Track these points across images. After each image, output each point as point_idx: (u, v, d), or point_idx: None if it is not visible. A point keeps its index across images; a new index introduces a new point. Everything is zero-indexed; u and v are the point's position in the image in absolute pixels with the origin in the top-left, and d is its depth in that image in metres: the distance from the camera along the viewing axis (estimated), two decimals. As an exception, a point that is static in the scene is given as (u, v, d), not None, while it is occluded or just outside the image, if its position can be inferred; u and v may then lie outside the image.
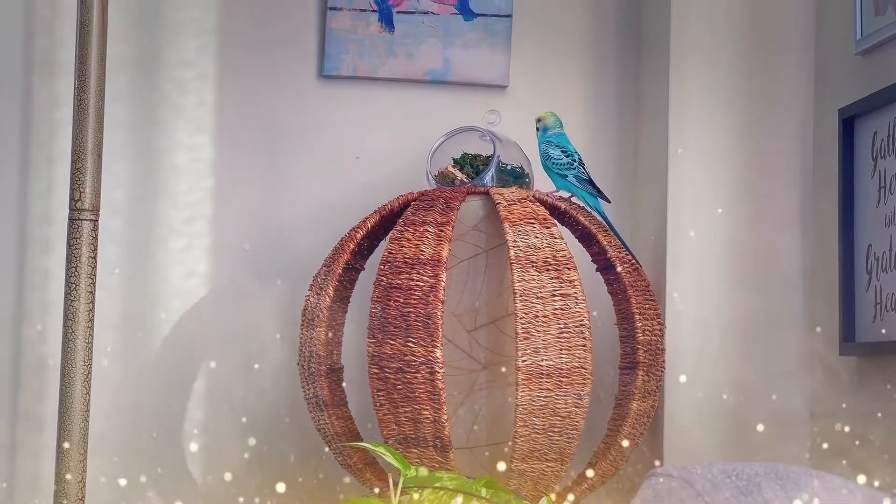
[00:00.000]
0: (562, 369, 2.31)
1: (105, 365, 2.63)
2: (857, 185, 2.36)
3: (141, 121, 2.72)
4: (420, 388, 2.29)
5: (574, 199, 2.51)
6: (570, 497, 2.35)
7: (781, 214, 2.55)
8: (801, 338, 2.52)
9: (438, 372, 2.28)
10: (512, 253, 2.34)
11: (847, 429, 2.28)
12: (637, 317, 2.43)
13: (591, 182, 2.50)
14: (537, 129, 2.55)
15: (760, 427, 2.44)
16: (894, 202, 2.24)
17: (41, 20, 2.69)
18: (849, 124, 2.38)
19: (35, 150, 2.69)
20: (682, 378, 2.47)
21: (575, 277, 2.34)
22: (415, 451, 2.32)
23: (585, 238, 2.50)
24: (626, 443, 2.41)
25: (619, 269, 2.44)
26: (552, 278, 2.33)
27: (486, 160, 2.51)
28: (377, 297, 2.35)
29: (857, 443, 2.23)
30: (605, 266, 2.48)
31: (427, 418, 2.29)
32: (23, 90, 2.69)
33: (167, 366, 2.69)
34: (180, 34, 2.74)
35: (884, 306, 2.25)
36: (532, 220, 2.38)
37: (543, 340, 2.31)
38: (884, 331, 2.24)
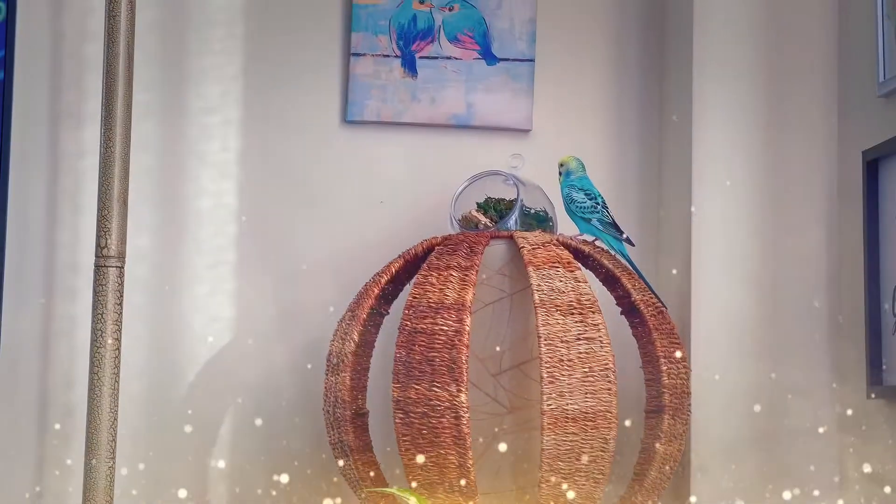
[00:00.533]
0: (587, 413, 2.30)
1: (131, 412, 2.63)
2: (882, 227, 2.36)
3: (166, 167, 2.74)
4: (445, 433, 2.29)
5: (598, 243, 2.51)
6: (597, 542, 2.34)
7: (806, 258, 2.54)
8: (828, 382, 2.51)
9: (463, 416, 2.28)
10: (536, 297, 2.34)
11: (876, 472, 2.27)
12: (662, 360, 2.42)
13: (615, 226, 2.50)
14: (560, 173, 2.55)
15: (788, 472, 2.43)
16: (920, 244, 2.23)
17: (69, 73, 2.72)
18: (873, 166, 2.38)
19: (62, 200, 2.71)
20: (704, 420, 2.46)
21: (599, 321, 2.34)
22: (441, 496, 2.31)
23: (609, 281, 2.50)
24: (652, 486, 2.39)
25: (643, 311, 2.43)
26: (577, 322, 2.33)
27: (510, 204, 2.52)
28: (402, 341, 2.35)
29: (886, 489, 2.21)
30: (629, 309, 2.48)
31: (452, 463, 2.29)
32: (49, 141, 2.71)
33: (193, 411, 2.69)
34: (204, 81, 2.76)
35: (911, 349, 2.24)
36: (556, 264, 2.38)
37: (568, 384, 2.30)
38: (911, 373, 2.23)
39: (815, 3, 2.58)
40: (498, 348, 2.45)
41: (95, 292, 2.45)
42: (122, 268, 2.46)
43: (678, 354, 2.42)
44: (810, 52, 2.58)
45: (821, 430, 2.49)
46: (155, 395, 2.69)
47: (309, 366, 2.67)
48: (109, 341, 2.43)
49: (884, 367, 2.33)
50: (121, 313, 2.46)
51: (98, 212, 2.47)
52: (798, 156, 2.57)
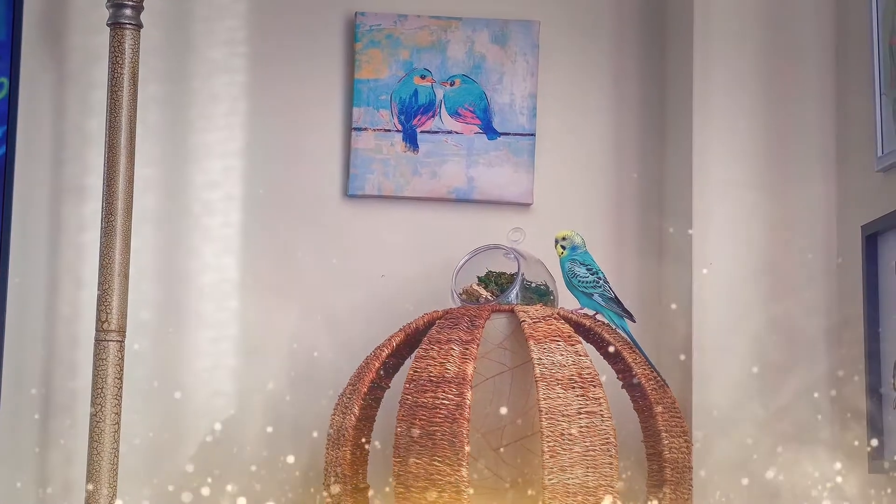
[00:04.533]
0: (588, 487, 2.29)
1: (131, 487, 2.62)
2: (881, 301, 2.36)
3: (168, 242, 2.75)
4: (446, 508, 2.28)
5: (599, 317, 2.51)
6: None
7: (807, 331, 2.54)
8: (830, 455, 2.50)
9: (465, 491, 2.27)
10: (537, 370, 2.34)
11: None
12: (664, 434, 2.42)
13: (616, 301, 2.50)
14: (563, 247, 2.55)
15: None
16: (920, 318, 2.23)
17: (71, 147, 2.74)
18: (872, 241, 2.39)
19: (62, 274, 2.71)
20: (711, 496, 2.45)
21: (601, 395, 2.34)
22: (442, 572, 2.30)
23: (610, 355, 2.49)
24: (654, 563, 2.38)
25: (644, 386, 2.43)
26: (578, 396, 2.33)
27: (511, 278, 2.52)
28: (402, 415, 2.35)
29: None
30: (630, 383, 2.48)
31: (453, 538, 2.27)
32: (51, 215, 2.72)
33: (194, 487, 2.68)
34: (206, 156, 2.77)
35: (912, 423, 2.24)
36: (557, 338, 2.38)
37: (570, 458, 2.29)
38: (913, 448, 2.22)
39: (814, 79, 2.60)
40: (501, 422, 2.44)
41: (95, 366, 2.45)
42: (123, 342, 2.46)
43: (673, 429, 2.41)
44: (810, 128, 2.60)
45: (823, 499, 2.47)
46: (155, 470, 2.68)
47: (308, 442, 2.65)
48: (109, 416, 2.43)
49: (885, 442, 2.32)
50: (121, 388, 2.46)
51: (99, 286, 2.47)
52: (798, 231, 2.57)
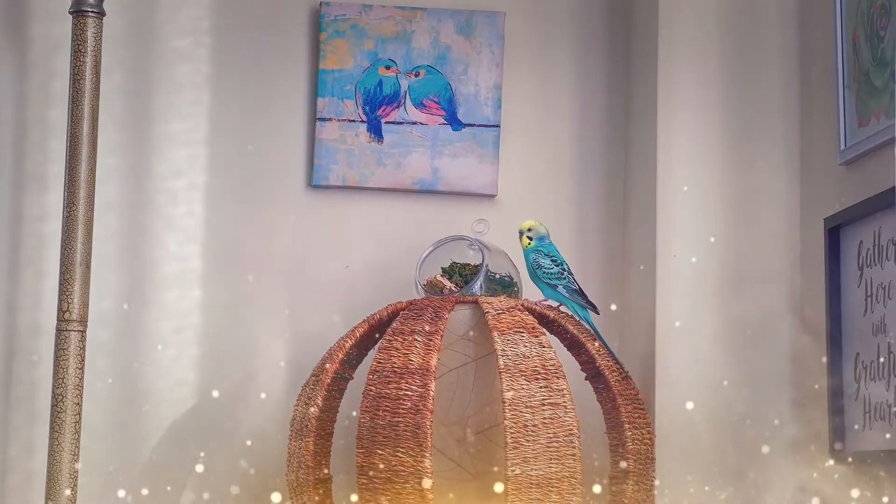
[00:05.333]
0: (551, 479, 2.30)
1: (92, 477, 2.61)
2: (844, 294, 2.37)
3: (130, 231, 2.74)
4: (409, 499, 2.28)
5: (563, 308, 2.51)
6: None
7: (769, 324, 2.55)
8: (791, 445, 2.51)
9: (428, 482, 2.27)
10: (501, 362, 2.34)
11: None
12: (627, 426, 2.42)
13: (580, 293, 2.51)
14: (525, 238, 2.55)
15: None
16: (881, 311, 2.25)
17: (33, 137, 2.72)
18: (834, 234, 2.40)
19: (24, 264, 2.70)
20: (669, 487, 2.46)
21: (564, 386, 2.34)
22: (404, 563, 2.30)
23: (574, 346, 2.50)
24: (617, 554, 2.39)
25: (608, 377, 2.44)
26: (541, 387, 2.33)
27: (475, 269, 2.52)
28: (366, 406, 2.35)
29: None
30: (593, 374, 2.48)
31: (416, 529, 2.27)
32: (12, 205, 2.71)
33: (155, 478, 2.67)
34: (170, 146, 2.76)
35: (873, 415, 2.25)
36: (521, 329, 2.38)
37: (533, 450, 2.30)
38: (872, 440, 2.24)
39: (778, 73, 2.61)
40: (464, 413, 2.45)
41: (56, 356, 2.43)
42: (84, 332, 2.45)
43: (635, 420, 2.42)
44: (774, 122, 2.60)
45: (784, 495, 2.49)
46: (116, 460, 2.67)
47: (270, 433, 2.65)
48: (70, 406, 2.42)
49: (846, 432, 2.33)
50: (82, 378, 2.44)
51: (60, 275, 2.46)
52: (762, 224, 2.58)
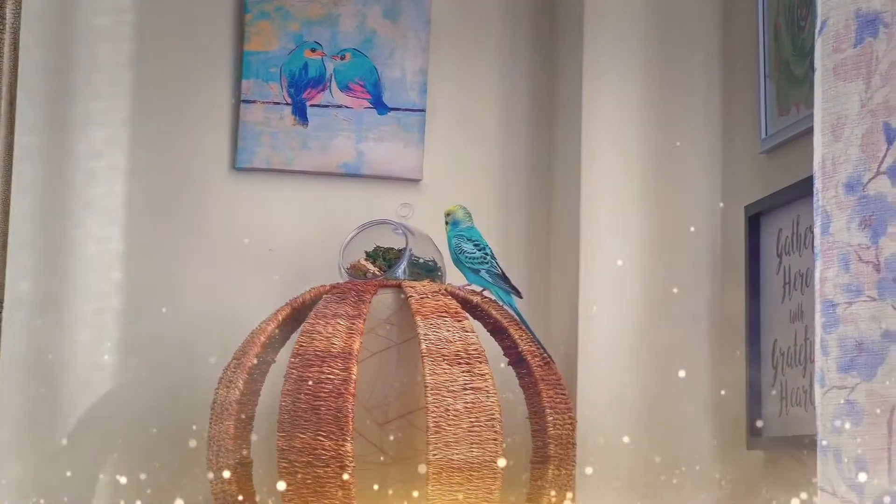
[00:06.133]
0: (472, 463, 2.30)
1: (8, 460, 2.57)
2: (762, 281, 2.40)
3: (49, 212, 2.70)
4: (330, 483, 2.27)
5: (486, 293, 2.52)
6: None
7: (690, 309, 2.57)
8: (710, 432, 2.54)
9: (349, 466, 2.26)
10: (423, 346, 2.34)
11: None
12: (548, 411, 2.43)
13: (504, 277, 2.51)
14: (446, 223, 2.56)
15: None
16: (799, 298, 2.27)
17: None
18: (754, 221, 2.42)
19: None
20: (590, 471, 2.48)
21: (486, 371, 2.35)
22: (325, 547, 2.29)
23: (497, 331, 2.50)
24: (537, 538, 2.40)
25: (530, 362, 2.44)
26: (463, 372, 2.33)
27: (399, 253, 2.52)
28: (287, 390, 2.34)
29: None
30: (516, 360, 2.49)
31: (337, 514, 2.27)
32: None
33: (71, 461, 2.64)
34: (90, 125, 2.72)
35: (789, 401, 2.28)
36: (444, 314, 2.38)
37: (455, 434, 2.30)
38: (789, 425, 2.26)
39: (702, 61, 2.63)
40: (386, 397, 2.44)
41: (-27, 338, 2.40)
42: (0, 313, 2.42)
43: (557, 405, 2.43)
44: (697, 109, 2.62)
45: (702, 482, 2.51)
46: (33, 443, 2.63)
47: (190, 417, 2.63)
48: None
49: (763, 417, 2.36)
50: (-2, 359, 2.41)
51: (-23, 256, 2.42)
52: (684, 211, 2.60)
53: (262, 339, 2.44)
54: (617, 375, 2.56)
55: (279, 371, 2.42)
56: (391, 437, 2.44)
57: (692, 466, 2.53)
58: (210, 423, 2.45)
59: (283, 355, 2.47)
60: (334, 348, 2.33)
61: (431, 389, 2.30)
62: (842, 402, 1.68)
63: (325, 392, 2.30)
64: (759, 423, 2.36)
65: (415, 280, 2.48)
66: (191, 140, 2.76)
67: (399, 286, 2.45)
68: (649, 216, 2.60)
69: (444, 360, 2.33)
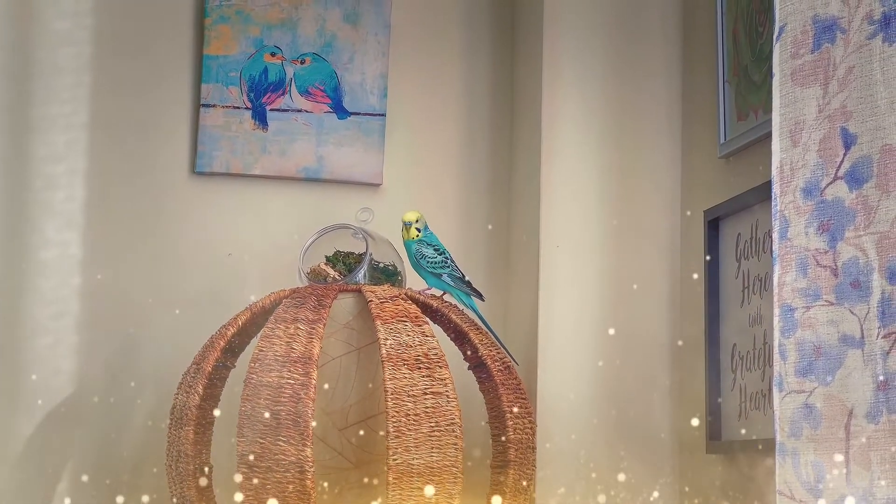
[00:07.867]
0: (433, 468, 2.30)
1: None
2: (722, 285, 2.41)
3: (7, 216, 2.68)
4: (290, 488, 2.27)
5: (447, 297, 2.52)
6: None
7: (650, 313, 2.58)
8: (670, 436, 2.55)
9: (308, 471, 2.26)
10: (384, 351, 2.33)
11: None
12: (508, 415, 2.44)
13: (464, 280, 2.52)
14: (416, 228, 2.55)
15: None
16: (758, 302, 2.28)
17: None
18: (714, 226, 2.44)
19: None
20: (550, 475, 2.48)
21: (447, 376, 2.35)
22: (285, 552, 2.28)
23: (458, 336, 2.51)
24: (497, 542, 2.40)
25: (490, 367, 2.45)
26: (424, 376, 2.33)
27: (359, 258, 2.52)
28: (247, 395, 2.33)
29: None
30: (476, 364, 2.49)
31: (297, 519, 2.26)
32: None
33: (28, 467, 2.62)
34: (49, 129, 2.71)
35: (748, 405, 2.29)
36: (404, 318, 2.38)
37: (415, 439, 2.30)
38: (748, 429, 2.27)
39: (661, 66, 2.65)
40: (346, 402, 2.44)
41: (-70, 343, 2.38)
42: (-42, 318, 2.40)
43: (515, 409, 2.43)
44: (657, 114, 2.64)
45: (661, 485, 2.52)
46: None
47: (150, 423, 2.62)
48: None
49: (722, 420, 2.37)
50: (-44, 365, 2.39)
51: (-66, 260, 2.40)
52: (642, 216, 2.62)
53: (222, 343, 2.43)
54: (577, 379, 2.57)
55: (239, 376, 2.41)
56: (352, 442, 2.44)
57: (652, 471, 2.54)
58: (169, 429, 2.44)
59: (243, 360, 2.46)
60: (294, 353, 2.33)
61: (391, 394, 2.30)
62: (800, 405, 1.69)
63: (284, 397, 2.30)
64: (719, 427, 2.37)
65: (375, 284, 2.48)
66: (150, 144, 2.75)
67: (359, 290, 2.45)
68: (609, 220, 2.61)
69: (405, 364, 2.33)
